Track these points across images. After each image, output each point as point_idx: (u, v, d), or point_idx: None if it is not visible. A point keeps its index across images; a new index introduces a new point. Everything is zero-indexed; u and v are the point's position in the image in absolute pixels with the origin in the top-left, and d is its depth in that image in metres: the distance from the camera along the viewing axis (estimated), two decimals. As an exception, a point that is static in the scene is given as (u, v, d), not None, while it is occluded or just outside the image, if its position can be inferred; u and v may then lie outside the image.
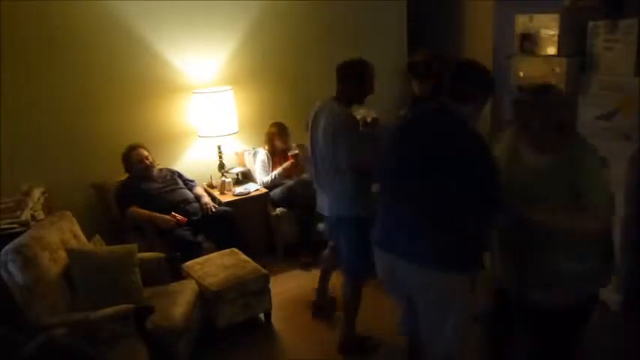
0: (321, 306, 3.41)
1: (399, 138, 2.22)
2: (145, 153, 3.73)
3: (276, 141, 4.25)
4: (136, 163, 3.68)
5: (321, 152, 2.85)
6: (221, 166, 4.23)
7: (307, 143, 3.07)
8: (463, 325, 2.16)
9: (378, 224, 2.27)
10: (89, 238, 3.06)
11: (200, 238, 3.67)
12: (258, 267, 3.28)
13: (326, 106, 2.82)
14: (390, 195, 2.24)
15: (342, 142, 2.69)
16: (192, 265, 3.31)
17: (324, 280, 3.40)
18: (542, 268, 2.08)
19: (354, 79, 2.78)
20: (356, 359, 3.01)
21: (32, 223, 3.04)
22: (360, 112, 3.95)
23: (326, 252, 3.34)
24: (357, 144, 2.70)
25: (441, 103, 2.09)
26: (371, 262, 2.36)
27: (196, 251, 3.51)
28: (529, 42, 3.49)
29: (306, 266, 4.00)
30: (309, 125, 2.94)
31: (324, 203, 2.97)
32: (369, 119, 4.37)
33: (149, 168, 3.72)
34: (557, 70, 3.29)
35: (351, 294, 2.94)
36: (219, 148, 4.20)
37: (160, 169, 3.86)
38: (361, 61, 2.80)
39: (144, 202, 3.60)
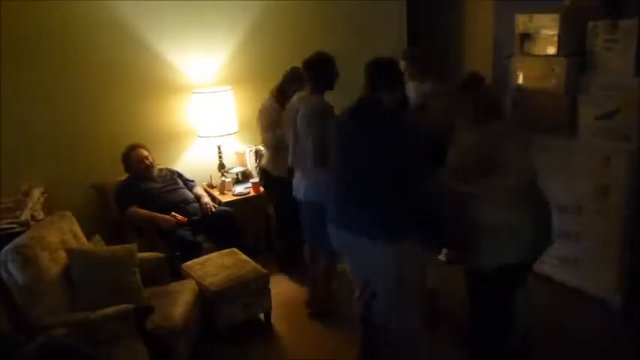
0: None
1: (341, 127, 2.55)
2: (145, 153, 3.73)
3: (291, 90, 3.62)
4: (135, 163, 3.68)
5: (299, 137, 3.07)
6: (221, 166, 4.23)
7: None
8: (405, 295, 2.39)
9: (330, 203, 2.57)
10: (89, 238, 3.06)
11: (200, 238, 3.67)
12: (258, 267, 3.28)
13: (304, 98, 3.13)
14: (338, 176, 2.54)
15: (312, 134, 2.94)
16: (192, 265, 3.31)
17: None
18: (473, 232, 2.42)
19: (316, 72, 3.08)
20: (337, 335, 3.16)
21: (32, 223, 3.04)
22: None
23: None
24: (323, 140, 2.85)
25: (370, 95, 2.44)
26: None
27: (196, 251, 3.51)
28: (529, 42, 3.49)
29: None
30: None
31: (300, 187, 3.16)
32: None
33: (149, 168, 3.72)
34: (557, 70, 3.29)
35: (328, 269, 3.29)
36: (219, 148, 4.20)
37: (160, 169, 3.86)
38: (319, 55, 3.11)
39: (144, 202, 3.60)
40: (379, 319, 2.56)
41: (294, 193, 3.25)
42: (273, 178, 3.80)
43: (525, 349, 2.81)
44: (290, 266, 3.96)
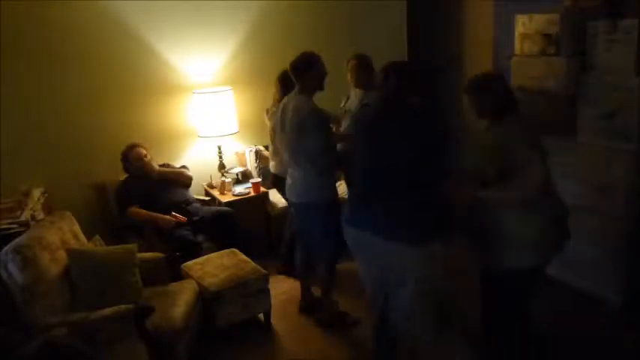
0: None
1: (363, 127, 2.52)
2: (144, 152, 3.73)
3: (360, 77, 3.64)
4: (134, 161, 3.68)
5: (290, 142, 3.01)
6: (221, 166, 4.23)
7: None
8: (424, 297, 2.28)
9: (349, 205, 2.52)
10: (89, 238, 3.06)
11: (200, 238, 3.67)
12: (258, 267, 3.28)
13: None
14: (358, 183, 2.51)
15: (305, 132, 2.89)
16: (192, 265, 3.31)
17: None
18: (489, 234, 2.40)
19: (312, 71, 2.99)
20: (336, 335, 3.18)
21: (32, 223, 3.04)
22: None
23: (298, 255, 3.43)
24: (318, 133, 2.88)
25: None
26: (341, 241, 2.60)
27: (196, 251, 3.51)
28: (529, 42, 3.49)
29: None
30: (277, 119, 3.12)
31: (294, 189, 3.10)
32: None
33: (147, 166, 3.72)
34: (557, 70, 3.29)
35: (326, 274, 3.19)
36: (219, 148, 4.20)
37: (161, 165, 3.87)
38: (316, 55, 3.01)
39: (144, 202, 3.60)
40: (397, 326, 2.47)
41: (288, 195, 3.22)
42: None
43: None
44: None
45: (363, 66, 3.60)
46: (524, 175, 2.26)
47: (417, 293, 2.28)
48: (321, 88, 3.01)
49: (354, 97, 3.71)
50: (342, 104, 3.81)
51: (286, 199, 3.55)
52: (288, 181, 3.17)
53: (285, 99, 3.10)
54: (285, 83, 3.45)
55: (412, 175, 2.24)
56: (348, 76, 3.69)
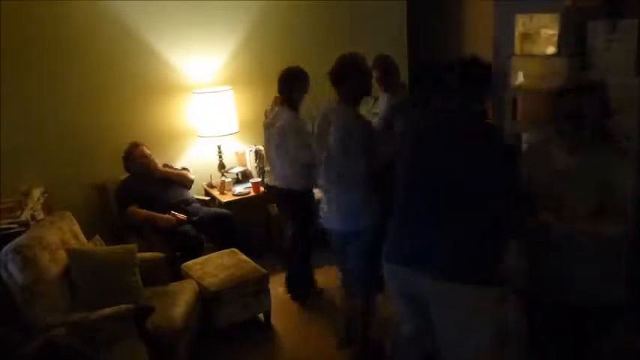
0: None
1: (418, 140, 2.10)
2: (147, 150, 3.74)
3: (389, 80, 3.57)
4: (139, 158, 3.69)
5: (333, 160, 2.66)
6: (221, 166, 4.23)
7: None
8: (490, 341, 2.02)
9: (392, 237, 2.10)
10: (89, 238, 3.06)
11: (200, 238, 3.67)
12: (258, 267, 3.28)
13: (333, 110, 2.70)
14: (407, 203, 2.06)
15: (353, 148, 2.55)
16: (192, 265, 3.31)
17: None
18: (560, 270, 2.07)
19: (355, 77, 2.65)
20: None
21: (32, 223, 3.05)
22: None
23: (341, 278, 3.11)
24: (370, 148, 2.56)
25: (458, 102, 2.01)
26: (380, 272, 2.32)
27: (199, 248, 3.52)
28: (529, 42, 3.49)
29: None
30: (316, 129, 2.81)
31: (332, 214, 2.76)
32: None
33: (152, 163, 3.73)
34: (557, 70, 3.29)
35: (366, 307, 2.84)
36: (219, 148, 4.20)
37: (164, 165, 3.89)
38: (359, 57, 2.74)
39: (144, 202, 3.60)
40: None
41: (324, 221, 2.84)
42: (297, 194, 3.37)
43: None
44: (308, 294, 3.61)
45: (390, 69, 3.53)
46: (619, 212, 1.95)
47: (486, 336, 1.98)
48: (367, 93, 2.75)
49: (383, 100, 3.55)
50: (370, 105, 3.60)
51: (283, 213, 3.52)
52: (324, 207, 2.81)
53: (325, 110, 2.77)
54: (287, 83, 3.37)
55: (478, 190, 1.86)
56: (375, 79, 3.41)
